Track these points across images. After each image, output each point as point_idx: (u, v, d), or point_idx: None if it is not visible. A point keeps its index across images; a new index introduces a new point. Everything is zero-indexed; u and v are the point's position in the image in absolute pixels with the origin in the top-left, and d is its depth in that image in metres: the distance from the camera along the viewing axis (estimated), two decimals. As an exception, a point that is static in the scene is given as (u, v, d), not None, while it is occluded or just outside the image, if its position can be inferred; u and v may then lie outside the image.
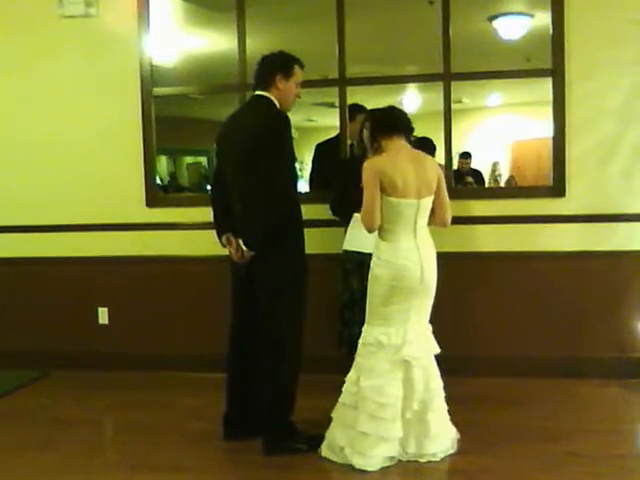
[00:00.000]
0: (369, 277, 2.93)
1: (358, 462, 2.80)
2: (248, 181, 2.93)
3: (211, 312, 3.89)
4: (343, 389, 2.92)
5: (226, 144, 3.12)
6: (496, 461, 2.90)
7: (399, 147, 2.91)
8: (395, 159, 2.85)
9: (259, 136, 2.91)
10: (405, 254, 2.85)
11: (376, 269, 2.89)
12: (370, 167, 2.84)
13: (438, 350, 2.96)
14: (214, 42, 5.48)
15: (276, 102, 3.03)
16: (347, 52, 4.08)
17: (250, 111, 3.13)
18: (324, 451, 2.94)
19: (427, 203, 2.90)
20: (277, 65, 3.04)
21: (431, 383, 2.90)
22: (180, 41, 5.45)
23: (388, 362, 2.83)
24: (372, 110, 3.17)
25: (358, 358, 2.91)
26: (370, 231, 2.87)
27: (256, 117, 3.01)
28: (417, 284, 2.85)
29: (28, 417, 3.65)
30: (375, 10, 4.57)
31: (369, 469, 2.79)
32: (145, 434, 3.34)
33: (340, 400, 2.92)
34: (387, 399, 2.80)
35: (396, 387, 2.82)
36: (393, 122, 2.95)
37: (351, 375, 2.91)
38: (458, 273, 3.88)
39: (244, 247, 2.95)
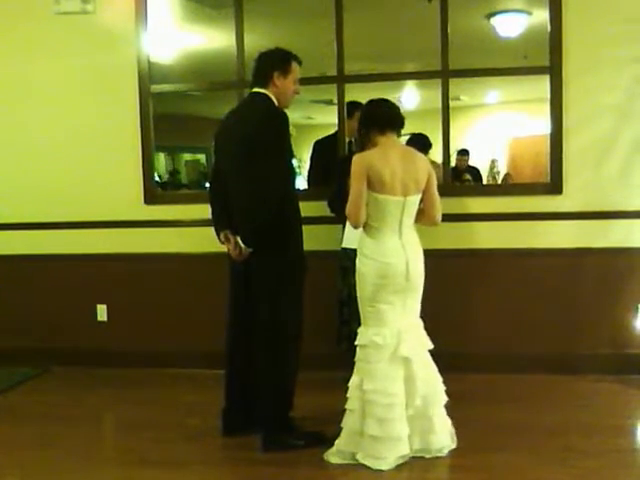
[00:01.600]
0: (355, 275, 2.91)
1: (373, 463, 2.79)
2: (246, 178, 2.93)
3: (210, 309, 3.89)
4: (348, 395, 2.89)
5: (224, 141, 3.12)
6: (492, 456, 2.91)
7: (391, 143, 2.90)
8: (386, 155, 2.84)
9: (257, 134, 2.91)
10: (390, 252, 2.83)
11: (361, 267, 2.88)
12: (359, 161, 2.83)
13: (431, 345, 2.95)
14: (212, 39, 5.49)
15: (274, 99, 3.03)
16: (345, 49, 4.08)
17: (248, 109, 3.12)
18: (332, 458, 2.89)
19: (414, 201, 2.88)
20: (274, 62, 3.04)
21: (430, 378, 2.91)
22: (178, 38, 5.45)
23: (387, 362, 2.82)
24: (366, 104, 3.09)
25: (358, 362, 2.89)
26: (355, 226, 2.86)
27: (254, 115, 3.01)
28: (403, 281, 2.84)
29: (27, 414, 3.66)
30: (374, 7, 4.57)
31: (384, 468, 2.78)
32: (144, 430, 3.35)
33: (346, 407, 2.89)
34: (392, 399, 2.79)
35: (399, 386, 2.82)
36: (387, 118, 2.92)
37: (354, 380, 2.88)
38: (455, 270, 3.90)
39: (242, 244, 2.95)
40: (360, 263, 2.89)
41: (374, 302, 2.85)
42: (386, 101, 3.02)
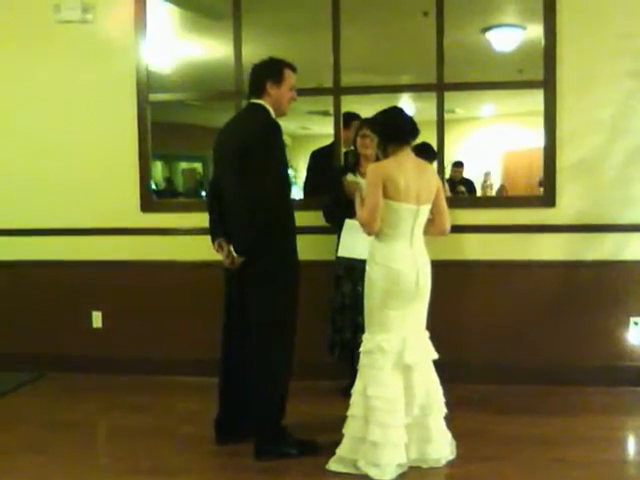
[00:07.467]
0: (365, 282, 2.94)
1: (374, 473, 2.78)
2: (237, 188, 2.96)
3: (204, 316, 3.89)
4: (351, 402, 2.90)
5: (220, 151, 3.16)
6: (483, 467, 2.93)
7: (406, 154, 2.93)
8: (400, 164, 2.87)
9: (247, 144, 2.93)
10: (401, 259, 2.86)
11: (372, 273, 2.90)
12: (376, 170, 2.87)
13: (436, 355, 2.97)
14: (210, 49, 5.54)
15: (270, 109, 3.05)
16: (342, 61, 4.11)
17: (242, 120, 3.17)
18: (333, 466, 2.89)
19: (425, 210, 2.93)
20: (266, 72, 3.06)
21: (430, 388, 2.92)
22: (176, 48, 5.50)
23: (391, 368, 2.84)
24: (384, 117, 3.03)
25: (363, 368, 2.89)
26: (370, 233, 2.88)
27: (247, 126, 3.04)
28: (413, 288, 2.87)
29: (22, 419, 3.65)
30: (371, 20, 4.62)
31: (386, 478, 2.77)
32: (137, 438, 3.35)
33: (349, 413, 2.89)
34: (394, 405, 2.80)
35: (400, 393, 2.83)
36: (408, 132, 2.94)
37: (357, 386, 2.89)
38: (449, 281, 3.89)
39: (234, 253, 2.98)
40: (371, 269, 2.91)
41: (382, 308, 2.86)
42: (402, 112, 3.03)
